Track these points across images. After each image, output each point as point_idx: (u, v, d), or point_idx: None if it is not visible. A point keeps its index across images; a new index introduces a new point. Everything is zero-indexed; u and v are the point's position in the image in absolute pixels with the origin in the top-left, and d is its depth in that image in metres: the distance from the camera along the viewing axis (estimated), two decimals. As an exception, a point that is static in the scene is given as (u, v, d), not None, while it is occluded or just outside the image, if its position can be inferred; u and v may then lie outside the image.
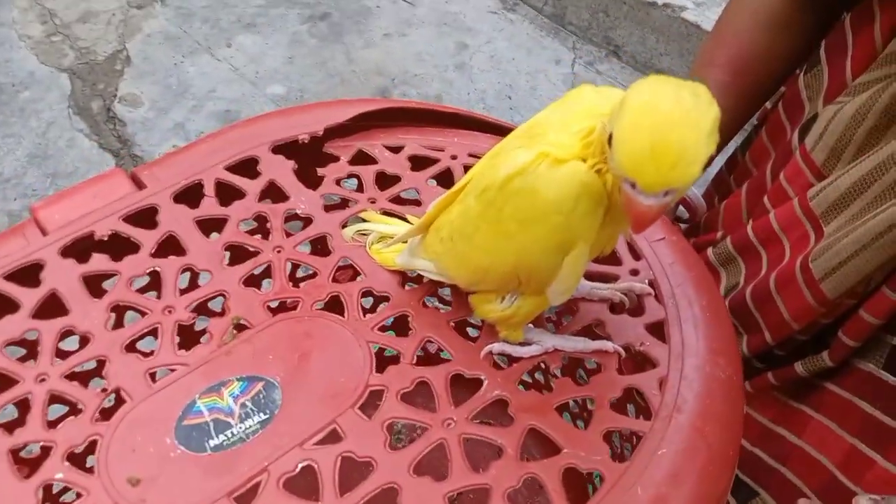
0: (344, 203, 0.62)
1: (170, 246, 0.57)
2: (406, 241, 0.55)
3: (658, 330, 0.50)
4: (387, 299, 0.54)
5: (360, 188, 0.63)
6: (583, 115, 0.42)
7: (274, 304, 0.53)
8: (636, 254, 0.56)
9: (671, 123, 0.33)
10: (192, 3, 1.82)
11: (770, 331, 0.60)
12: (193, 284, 0.55)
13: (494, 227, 0.43)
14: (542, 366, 0.50)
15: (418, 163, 0.65)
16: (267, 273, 0.56)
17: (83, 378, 0.49)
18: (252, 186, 0.61)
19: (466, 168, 0.64)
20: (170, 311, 0.52)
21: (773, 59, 0.74)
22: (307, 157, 0.64)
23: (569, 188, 0.39)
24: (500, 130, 0.68)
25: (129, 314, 0.54)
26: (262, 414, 0.46)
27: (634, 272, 0.54)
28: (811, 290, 0.57)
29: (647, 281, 0.53)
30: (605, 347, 0.49)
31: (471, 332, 0.61)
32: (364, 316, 0.52)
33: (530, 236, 0.42)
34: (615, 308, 0.52)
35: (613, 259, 0.56)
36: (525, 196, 0.41)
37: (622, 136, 0.35)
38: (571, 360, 0.49)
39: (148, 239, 0.56)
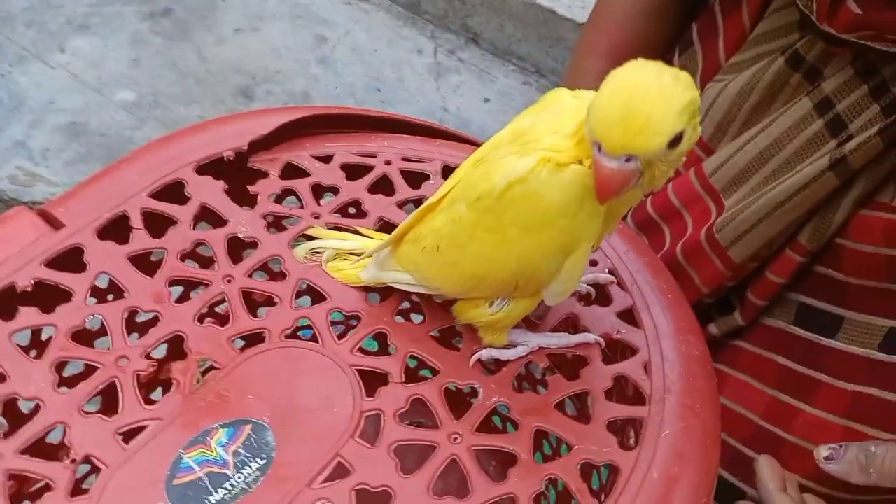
0: (278, 221, 0.59)
1: (105, 289, 0.52)
2: (368, 256, 0.53)
3: (629, 316, 0.53)
4: (357, 318, 0.52)
5: (296, 204, 0.60)
6: (570, 117, 0.43)
7: (238, 339, 0.50)
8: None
9: (644, 95, 0.36)
10: (10, 6, 1.64)
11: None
12: (143, 328, 0.50)
13: (493, 235, 0.43)
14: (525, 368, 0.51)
15: (353, 171, 0.63)
16: (219, 306, 0.52)
17: (43, 451, 0.44)
18: (183, 213, 0.56)
19: (404, 173, 0.63)
20: (124, 361, 0.47)
21: (651, 44, 0.79)
22: (234, 174, 0.60)
23: (574, 191, 0.40)
24: (429, 132, 0.68)
25: (77, 370, 0.48)
26: (258, 459, 0.43)
27: (593, 263, 0.56)
28: (719, 257, 0.62)
29: (607, 270, 0.55)
30: (587, 340, 0.50)
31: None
32: (340, 340, 0.50)
33: (534, 241, 0.42)
34: (584, 300, 0.54)
35: (571, 252, 0.57)
36: (529, 202, 0.41)
37: (598, 102, 0.37)
38: (554, 356, 0.50)
39: (79, 284, 0.50)
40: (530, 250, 0.43)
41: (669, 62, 0.77)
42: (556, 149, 0.41)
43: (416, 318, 0.53)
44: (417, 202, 0.65)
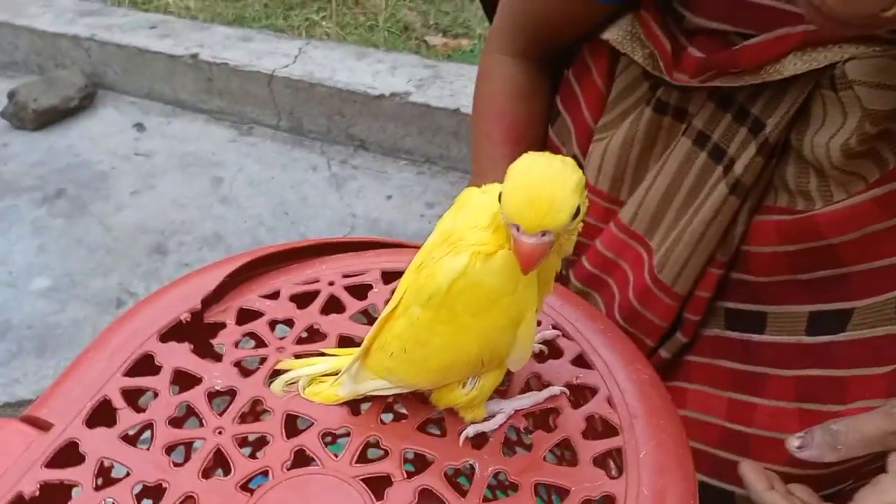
0: (255, 364, 0.63)
1: (107, 474, 0.54)
2: (342, 373, 0.58)
3: (581, 361, 0.59)
4: (346, 434, 0.56)
5: (261, 344, 0.64)
6: (483, 212, 0.50)
7: (243, 484, 0.53)
8: (532, 308, 0.64)
9: (543, 181, 0.43)
10: None
11: (649, 337, 0.72)
12: (156, 498, 0.53)
13: (450, 326, 0.49)
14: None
15: (301, 300, 0.67)
16: (219, 460, 0.55)
17: None
18: (159, 382, 0.59)
19: (348, 289, 0.69)
20: (146, 536, 0.50)
21: (534, 123, 0.89)
22: (195, 333, 0.64)
23: (507, 272, 0.47)
24: (357, 246, 0.74)
25: (101, 558, 0.50)
26: (298, 586, 0.46)
27: (539, 323, 0.63)
28: (667, 294, 0.70)
29: (551, 326, 0.62)
30: (553, 392, 0.56)
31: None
32: (337, 457, 0.54)
33: (486, 322, 0.48)
34: (539, 358, 0.60)
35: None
36: (473, 291, 0.47)
37: (507, 192, 0.44)
38: (530, 414, 0.56)
39: (82, 476, 0.53)
40: (485, 330, 0.49)
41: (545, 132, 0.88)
42: (482, 242, 0.48)
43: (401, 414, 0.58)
44: (366, 312, 0.71)
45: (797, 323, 0.68)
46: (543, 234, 0.44)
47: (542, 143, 0.90)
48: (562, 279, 0.82)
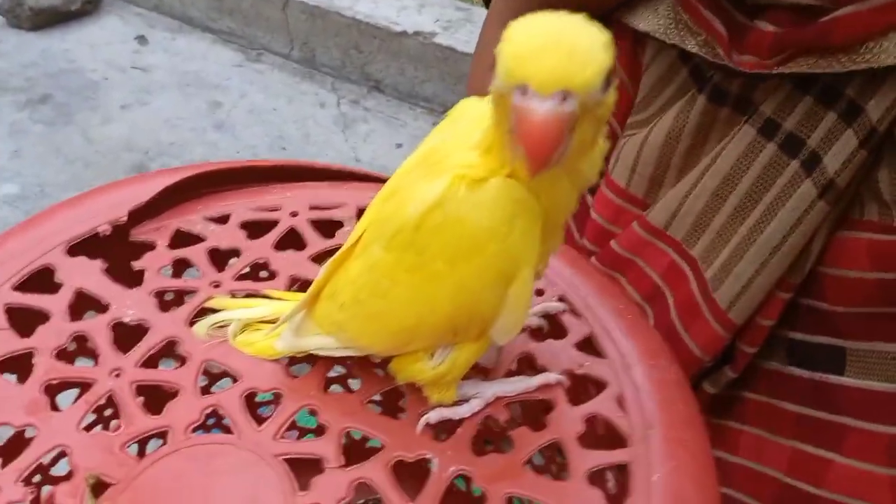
0: (180, 296, 0.51)
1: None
2: (282, 322, 0.45)
3: (589, 346, 0.46)
4: (273, 402, 0.44)
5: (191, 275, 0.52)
6: (479, 125, 0.37)
7: (134, 446, 0.41)
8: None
9: (561, 27, 0.31)
10: None
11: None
12: (14, 449, 0.41)
13: (418, 275, 0.36)
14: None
15: (254, 229, 0.55)
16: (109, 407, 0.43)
17: None
18: (55, 303, 0.47)
19: (314, 223, 0.56)
20: (-10, 496, 0.38)
21: None
22: (114, 251, 0.52)
23: (500, 208, 0.34)
24: (336, 175, 0.61)
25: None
26: None
27: (539, 292, 0.50)
28: (719, 320, 0.55)
29: (556, 298, 0.49)
30: (549, 380, 0.43)
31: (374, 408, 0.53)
32: (260, 426, 0.42)
33: (466, 273, 0.35)
34: (536, 335, 0.47)
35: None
36: (450, 229, 0.35)
37: (510, 42, 0.31)
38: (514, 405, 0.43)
39: (-75, 408, 0.41)
40: (464, 285, 0.36)
41: None
42: (468, 164, 0.35)
43: (354, 384, 0.46)
44: (330, 254, 0.58)
45: (888, 365, 0.53)
46: (564, 98, 0.30)
47: None
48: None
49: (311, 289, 0.43)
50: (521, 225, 0.34)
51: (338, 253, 0.41)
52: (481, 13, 1.58)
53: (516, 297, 0.36)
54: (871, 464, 0.53)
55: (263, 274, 0.53)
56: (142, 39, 1.83)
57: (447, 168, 0.35)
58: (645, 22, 0.58)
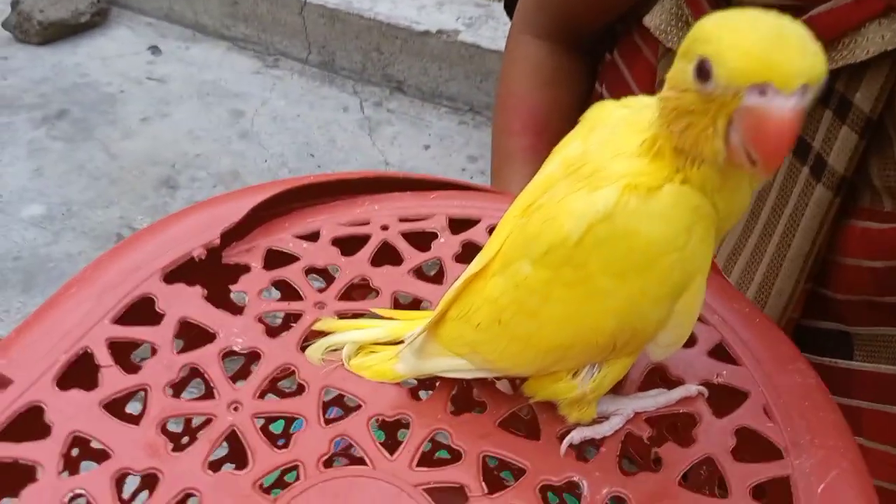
0: (286, 321, 0.49)
1: (82, 452, 0.41)
2: (398, 345, 0.44)
3: (722, 353, 0.45)
4: (404, 426, 0.42)
5: (294, 296, 0.50)
6: (628, 133, 0.35)
7: (266, 482, 0.39)
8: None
9: (773, 20, 0.30)
10: None
11: None
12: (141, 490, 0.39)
13: (577, 291, 0.35)
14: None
15: (347, 245, 0.53)
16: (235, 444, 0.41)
17: None
18: (160, 335, 0.45)
19: (406, 236, 0.54)
20: (128, 547, 0.36)
21: (562, 109, 0.76)
22: (210, 276, 0.50)
23: (680, 216, 0.32)
24: (418, 185, 0.59)
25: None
26: None
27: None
28: None
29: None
30: (689, 393, 0.42)
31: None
32: (392, 455, 0.40)
33: (637, 288, 0.34)
34: (662, 344, 0.46)
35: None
36: (621, 242, 0.33)
37: (731, 41, 0.29)
38: (655, 420, 0.42)
39: (45, 454, 0.39)
40: (633, 300, 0.34)
41: None
42: (637, 172, 0.33)
43: (476, 409, 0.44)
44: (433, 266, 0.56)
45: (893, 349, 0.54)
46: (804, 91, 0.29)
47: None
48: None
49: (438, 308, 0.41)
50: (699, 233, 0.33)
51: (466, 272, 0.40)
52: (501, 9, 1.56)
53: (686, 309, 0.35)
54: (888, 445, 0.53)
55: (363, 291, 0.51)
56: (155, 50, 1.81)
57: (608, 178, 0.33)
58: (650, 16, 0.60)
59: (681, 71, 0.31)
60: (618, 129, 0.36)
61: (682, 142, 0.31)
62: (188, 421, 0.50)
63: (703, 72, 0.29)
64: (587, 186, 0.34)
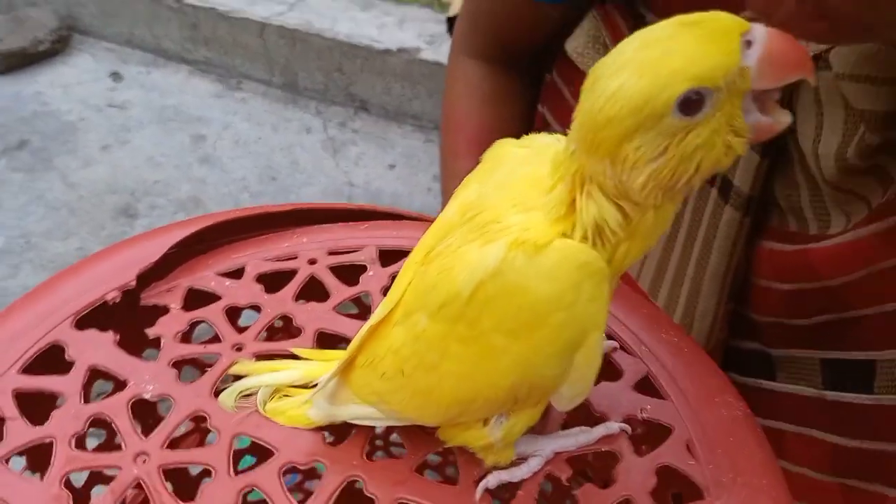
0: (202, 365, 0.47)
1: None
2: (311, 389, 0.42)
3: (648, 386, 0.43)
4: (315, 476, 0.41)
5: (211, 338, 0.48)
6: (525, 179, 0.34)
7: (170, 539, 0.38)
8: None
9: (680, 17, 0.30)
10: None
11: None
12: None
13: (472, 348, 0.33)
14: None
15: (272, 282, 0.52)
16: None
17: None
18: (68, 384, 0.44)
19: (334, 270, 0.53)
20: None
21: (504, 131, 0.75)
22: (125, 319, 0.48)
23: (566, 276, 0.31)
24: (349, 216, 0.58)
25: None
26: None
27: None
28: None
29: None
30: (611, 431, 0.40)
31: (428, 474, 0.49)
32: (304, 505, 0.38)
33: (528, 346, 0.32)
34: (587, 378, 0.44)
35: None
36: (509, 300, 0.32)
37: (698, 56, 0.28)
38: (576, 460, 0.40)
39: (-64, 519, 0.37)
40: (526, 358, 0.33)
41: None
42: (526, 227, 0.32)
43: (398, 451, 0.42)
44: (357, 302, 0.55)
45: (811, 371, 0.54)
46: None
47: None
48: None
49: (345, 355, 0.39)
50: (588, 290, 0.31)
51: (373, 317, 0.38)
52: (463, 26, 1.55)
53: (584, 364, 0.33)
54: (817, 472, 0.53)
55: (285, 330, 0.50)
56: (116, 76, 1.79)
57: (501, 231, 0.32)
58: (571, 42, 0.60)
59: (651, 140, 0.29)
60: (516, 172, 0.35)
61: (680, 182, 0.30)
62: (98, 479, 0.48)
63: (693, 103, 0.28)
64: (480, 238, 0.33)
